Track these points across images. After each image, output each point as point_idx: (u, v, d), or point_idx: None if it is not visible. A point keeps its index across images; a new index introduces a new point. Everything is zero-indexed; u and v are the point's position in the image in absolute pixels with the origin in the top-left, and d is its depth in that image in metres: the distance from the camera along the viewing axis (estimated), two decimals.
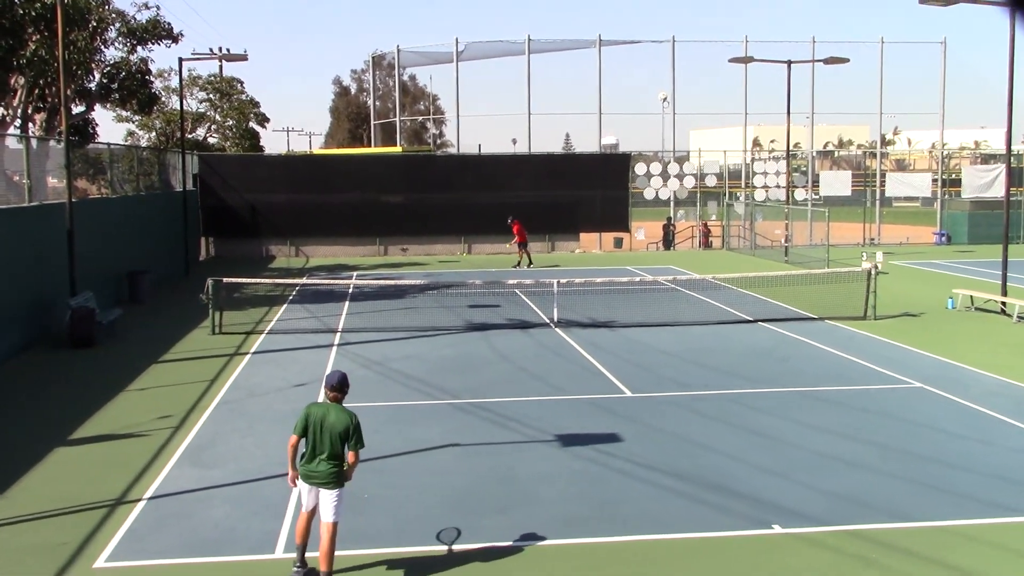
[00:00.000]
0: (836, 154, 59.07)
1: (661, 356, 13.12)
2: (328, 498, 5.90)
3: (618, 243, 31.83)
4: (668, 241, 32.73)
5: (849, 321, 15.79)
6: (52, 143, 16.37)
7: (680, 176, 32.52)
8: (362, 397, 10.68)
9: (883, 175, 34.81)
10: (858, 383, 11.40)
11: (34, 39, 17.52)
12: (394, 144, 42.80)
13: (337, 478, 5.97)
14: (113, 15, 20.60)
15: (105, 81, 20.84)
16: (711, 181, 32.76)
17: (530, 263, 25.85)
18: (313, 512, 6.05)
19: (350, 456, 5.99)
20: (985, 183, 33.90)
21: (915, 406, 10.34)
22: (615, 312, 16.77)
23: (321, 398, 9.86)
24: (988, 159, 43.36)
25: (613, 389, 11.14)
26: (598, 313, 16.76)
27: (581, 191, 31.08)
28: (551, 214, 30.73)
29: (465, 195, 30.68)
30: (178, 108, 27.38)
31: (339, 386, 6.17)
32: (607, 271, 24.19)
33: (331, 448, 5.97)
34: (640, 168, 32.05)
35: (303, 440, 6.10)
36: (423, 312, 16.88)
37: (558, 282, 16.32)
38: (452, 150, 62.96)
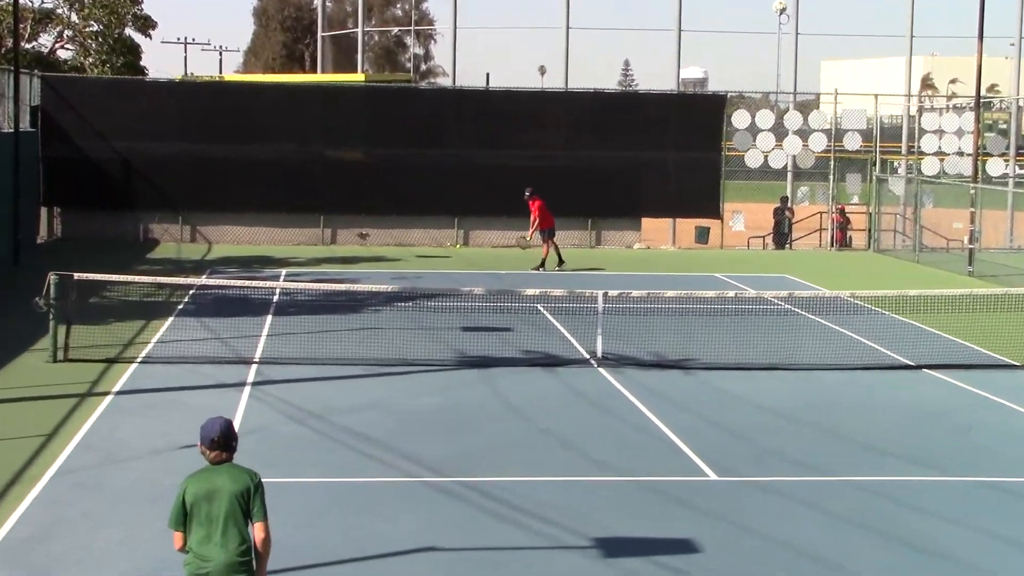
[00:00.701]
0: None
1: (766, 417, 13.11)
2: None
3: (703, 235, 31.93)
4: (782, 235, 32.79)
5: None
6: None
7: (804, 133, 32.60)
8: (288, 468, 10.66)
9: None
10: None
11: None
12: (354, 69, 43.10)
13: (247, 569, 6.00)
14: None
15: None
16: (852, 142, 32.76)
17: (560, 262, 25.94)
18: None
19: (257, 532, 6.06)
20: None
21: None
22: (694, 345, 16.76)
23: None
24: None
25: (688, 467, 11.13)
26: (666, 345, 16.77)
27: (645, 151, 31.25)
28: (597, 187, 30.91)
29: (462, 153, 30.93)
30: None
31: (222, 440, 6.25)
32: (683, 280, 24.23)
33: (230, 527, 6.04)
34: (741, 118, 32.20)
35: (191, 533, 6.10)
36: (390, 337, 16.93)
37: (605, 295, 16.35)
38: (444, 81, 63.18)
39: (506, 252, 29.02)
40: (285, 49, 70.26)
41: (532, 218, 25.93)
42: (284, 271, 24.74)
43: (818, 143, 32.49)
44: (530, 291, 17.75)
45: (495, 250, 29.79)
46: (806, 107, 36.12)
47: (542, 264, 25.74)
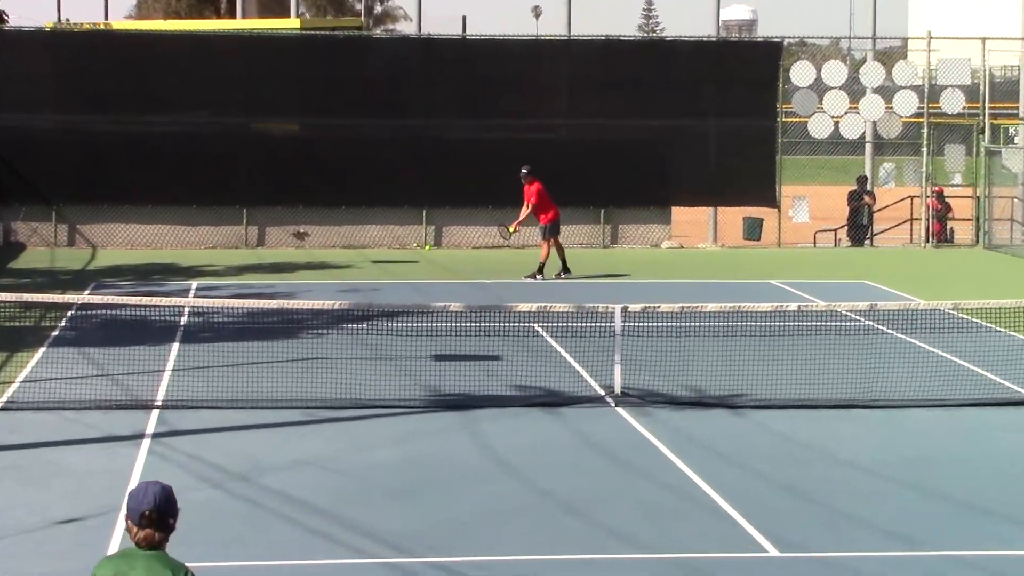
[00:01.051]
0: None
1: (841, 472, 13.14)
2: None
3: (753, 229, 32.06)
4: (860, 227, 32.90)
5: None
6: None
7: (886, 91, 32.72)
8: (203, 549, 10.57)
9: None
10: None
11: None
12: (286, 13, 43.14)
13: None
14: None
15: None
16: (953, 103, 32.89)
17: (564, 269, 26.00)
18: None
19: None
20: None
21: None
22: (743, 376, 16.79)
23: (120, 544, 9.77)
24: None
25: (740, 540, 11.14)
26: (707, 377, 16.80)
27: (675, 119, 31.42)
28: (611, 168, 31.13)
29: (431, 124, 31.13)
30: None
31: (155, 516, 6.12)
32: (728, 289, 24.21)
33: None
34: (802, 72, 32.37)
35: None
36: (338, 370, 16.90)
37: (624, 310, 16.36)
38: (406, 28, 63.15)
39: (491, 255, 29.11)
40: None
41: (526, 204, 25.91)
42: (195, 284, 24.76)
43: (906, 105, 32.53)
44: (525, 306, 17.72)
45: (476, 252, 29.85)
46: (890, 57, 36.29)
47: (539, 271, 25.79)
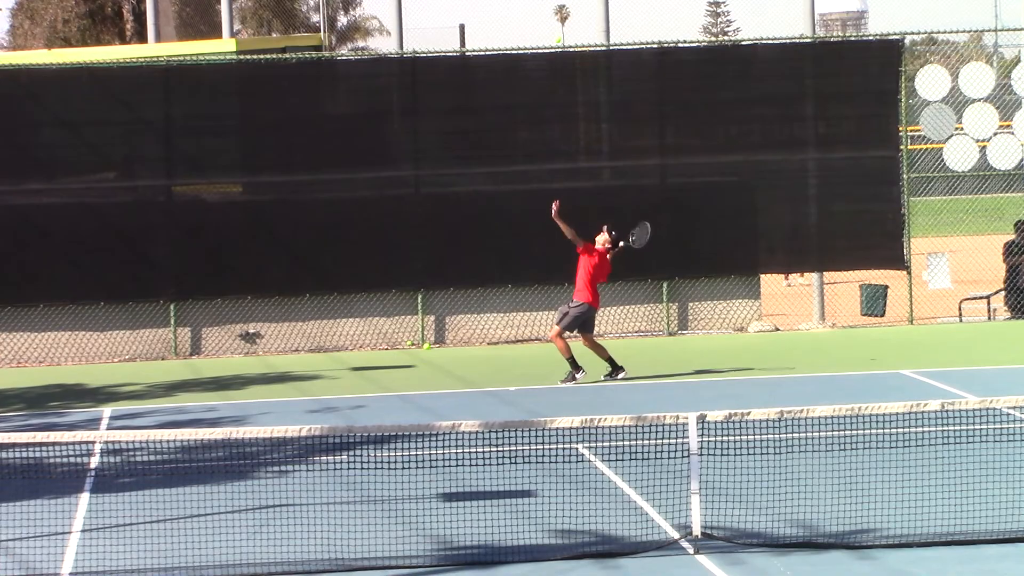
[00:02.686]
0: None
1: None
2: None
3: (874, 301, 32.14)
4: (1020, 292, 32.85)
5: None
6: None
7: None
8: None
9: None
10: None
11: None
12: (217, 33, 43.40)
13: None
14: None
15: None
16: None
17: (614, 370, 25.93)
18: None
19: None
20: None
21: None
22: (867, 504, 16.82)
23: None
24: None
25: None
26: (817, 508, 16.82)
27: (762, 153, 31.73)
28: (674, 223, 31.39)
29: (423, 175, 31.40)
30: None
31: None
32: (844, 384, 24.28)
33: None
34: (932, 80, 32.66)
35: None
36: (311, 520, 16.98)
37: (701, 419, 16.43)
38: (383, 43, 63.57)
39: (513, 353, 29.21)
40: (87, 3, 70.71)
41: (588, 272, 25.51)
42: (108, 411, 24.87)
43: None
44: (564, 421, 17.80)
45: (493, 350, 29.99)
46: None
47: (576, 366, 25.74)
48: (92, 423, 23.57)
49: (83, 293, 30.08)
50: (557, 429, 18.30)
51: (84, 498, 18.67)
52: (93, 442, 20.85)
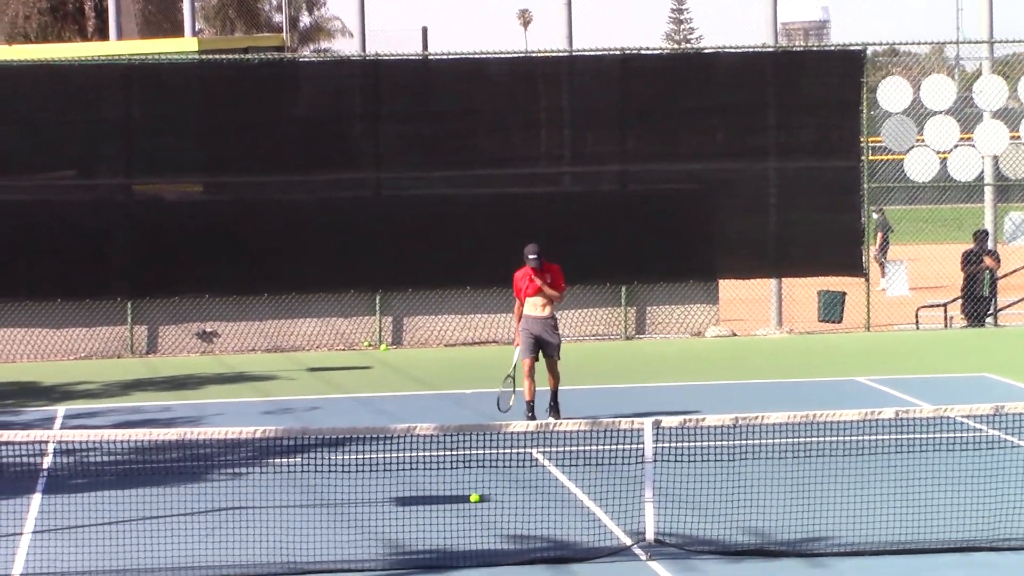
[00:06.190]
0: None
1: None
2: None
3: (832, 308, 32.25)
4: (978, 300, 32.99)
5: None
6: None
7: (1011, 114, 33.02)
8: None
9: None
10: None
11: None
12: (179, 31, 43.25)
13: None
14: None
15: None
16: None
17: (554, 407, 23.32)
18: None
19: None
20: None
21: None
22: (821, 512, 16.82)
23: None
24: None
25: None
26: (771, 515, 16.83)
27: (722, 161, 31.83)
28: (634, 229, 31.51)
29: (384, 178, 31.44)
30: None
31: None
32: (800, 391, 24.34)
33: None
34: (894, 92, 32.80)
35: None
36: (264, 522, 16.96)
37: (656, 425, 16.44)
38: (346, 45, 63.59)
39: (471, 355, 29.20)
40: (51, 8, 70.39)
41: (549, 291, 23.00)
42: (62, 410, 24.83)
43: None
44: (520, 426, 17.81)
45: (451, 352, 29.98)
46: (1013, 67, 36.37)
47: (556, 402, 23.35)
48: (46, 422, 23.49)
49: (40, 290, 30.00)
50: (513, 433, 18.35)
51: (36, 498, 18.62)
52: (46, 441, 20.80)
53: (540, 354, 22.93)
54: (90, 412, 24.41)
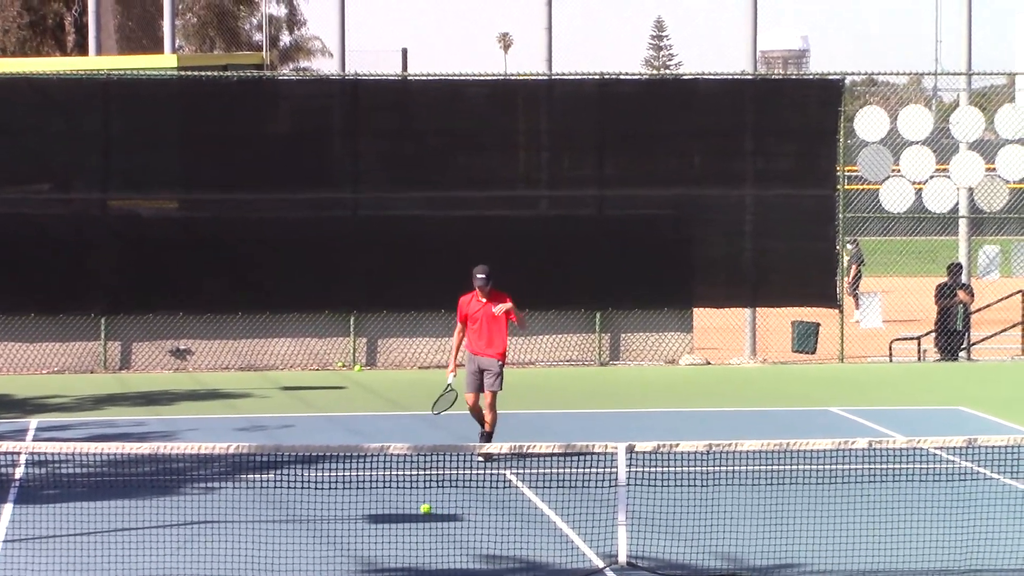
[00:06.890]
0: None
1: None
2: None
3: (806, 339, 32.25)
4: (952, 334, 33.01)
5: None
6: None
7: (987, 146, 33.04)
8: None
9: None
10: None
11: None
12: (159, 48, 43.25)
13: None
14: None
15: None
16: None
17: (486, 436, 22.29)
18: None
19: None
20: None
21: None
22: (793, 539, 16.83)
23: None
24: None
25: None
26: (743, 541, 16.89)
27: (699, 188, 31.90)
28: (610, 254, 31.50)
29: (361, 198, 31.43)
30: None
31: None
32: (771, 419, 24.33)
33: None
34: (871, 121, 32.82)
35: None
36: (236, 537, 16.86)
37: (630, 450, 16.47)
38: (326, 64, 63.60)
39: (444, 377, 29.17)
40: (28, 14, 70.27)
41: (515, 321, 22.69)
42: (34, 423, 24.78)
43: (1015, 165, 32.96)
44: (493, 447, 17.80)
45: (424, 374, 29.91)
46: (990, 99, 36.56)
47: (484, 434, 22.30)
48: (19, 434, 23.40)
49: (13, 304, 29.91)
50: (489, 453, 18.31)
51: (7, 509, 18.54)
52: (18, 453, 20.75)
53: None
54: (63, 425, 24.36)
